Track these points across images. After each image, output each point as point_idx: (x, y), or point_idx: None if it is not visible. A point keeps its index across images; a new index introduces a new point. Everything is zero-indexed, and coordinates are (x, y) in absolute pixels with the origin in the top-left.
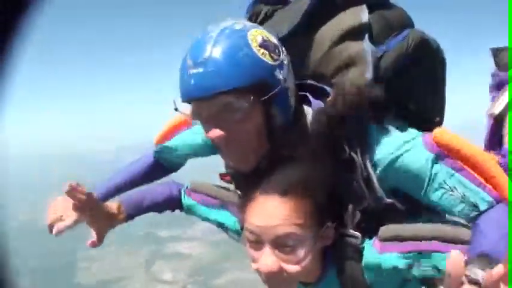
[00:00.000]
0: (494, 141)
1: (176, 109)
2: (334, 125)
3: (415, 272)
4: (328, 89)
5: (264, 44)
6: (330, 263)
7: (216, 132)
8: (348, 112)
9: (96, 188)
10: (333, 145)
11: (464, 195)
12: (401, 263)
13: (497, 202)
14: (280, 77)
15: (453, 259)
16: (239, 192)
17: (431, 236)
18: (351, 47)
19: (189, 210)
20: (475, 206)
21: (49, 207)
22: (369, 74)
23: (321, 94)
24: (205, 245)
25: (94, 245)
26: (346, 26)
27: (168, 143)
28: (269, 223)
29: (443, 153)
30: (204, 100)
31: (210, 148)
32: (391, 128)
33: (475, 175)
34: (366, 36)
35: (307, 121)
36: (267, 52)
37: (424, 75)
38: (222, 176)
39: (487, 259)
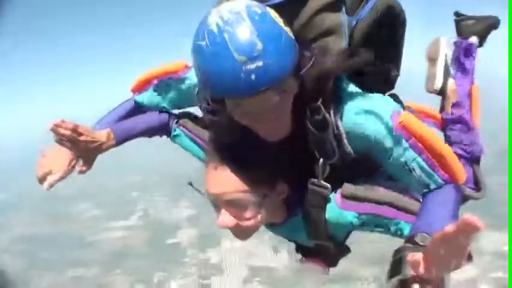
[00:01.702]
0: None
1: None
2: (312, 86)
3: (366, 229)
4: (306, 53)
5: (282, 20)
6: (298, 207)
7: (260, 124)
8: (325, 74)
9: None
10: (308, 106)
11: (420, 176)
12: (356, 221)
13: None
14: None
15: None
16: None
17: (387, 201)
18: (330, 18)
19: (175, 140)
20: (427, 186)
21: (38, 161)
22: (344, 42)
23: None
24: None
25: (82, 171)
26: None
27: (147, 99)
28: (217, 191)
29: (408, 136)
30: (253, 97)
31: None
32: (364, 94)
33: (432, 159)
34: (343, 8)
35: None
36: (288, 28)
37: (389, 36)
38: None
39: (426, 237)
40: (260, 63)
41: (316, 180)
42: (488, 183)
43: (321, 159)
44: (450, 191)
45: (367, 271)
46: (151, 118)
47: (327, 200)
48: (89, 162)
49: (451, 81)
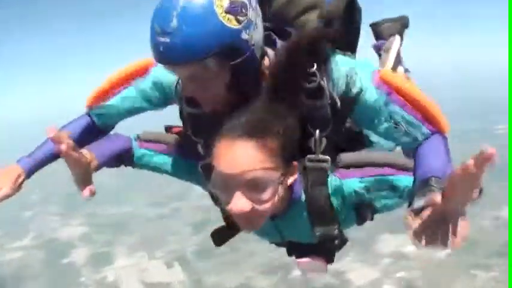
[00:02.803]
0: None
1: None
2: (302, 56)
3: (372, 194)
4: (290, 29)
5: (230, 8)
6: (296, 195)
7: (190, 88)
8: (310, 45)
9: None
10: (301, 76)
11: (407, 129)
12: (360, 186)
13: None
14: (247, 37)
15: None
16: (197, 138)
17: (384, 162)
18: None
19: (140, 162)
20: (416, 139)
21: None
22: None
23: (283, 35)
24: None
25: (92, 192)
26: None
27: (108, 102)
28: (236, 170)
29: (390, 90)
30: (174, 66)
31: (157, 100)
32: (347, 57)
33: (416, 111)
34: None
35: (268, 62)
36: (233, 17)
37: (353, 13)
38: (169, 129)
39: (436, 181)
40: (167, 40)
41: (313, 155)
42: None
43: (317, 131)
44: (440, 139)
45: (263, 281)
46: (113, 142)
47: (328, 174)
48: (89, 181)
49: (400, 68)
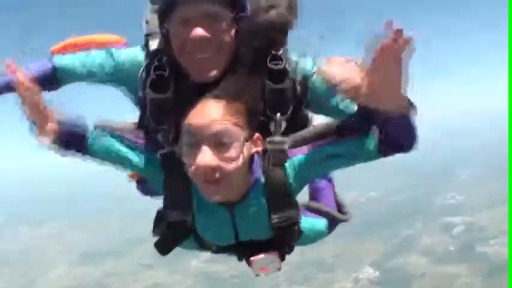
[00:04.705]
0: None
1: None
2: (270, 38)
3: (323, 164)
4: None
5: None
6: (256, 175)
7: (200, 31)
8: (283, 25)
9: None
10: (267, 57)
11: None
12: (308, 160)
13: None
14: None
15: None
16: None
17: (326, 131)
18: None
19: (94, 144)
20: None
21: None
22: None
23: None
24: None
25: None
26: None
27: (74, 57)
28: (205, 121)
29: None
30: (194, 1)
31: (111, 75)
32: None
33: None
34: None
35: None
36: None
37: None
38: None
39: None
40: None
41: (274, 137)
42: None
43: (278, 114)
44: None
45: None
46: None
47: (286, 154)
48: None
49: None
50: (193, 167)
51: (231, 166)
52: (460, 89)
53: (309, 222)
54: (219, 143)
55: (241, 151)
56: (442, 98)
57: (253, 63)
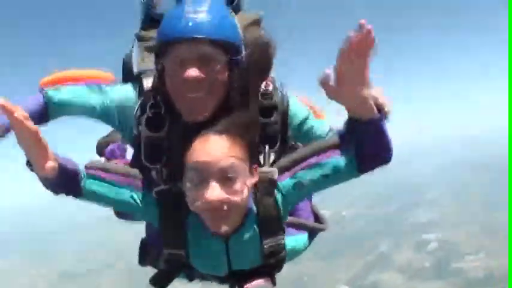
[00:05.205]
0: None
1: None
2: (259, 75)
3: (307, 186)
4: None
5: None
6: (249, 205)
7: (193, 72)
8: (263, 62)
9: None
10: (259, 91)
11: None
12: (293, 184)
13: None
14: (243, 43)
15: None
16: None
17: (308, 154)
18: (255, 31)
19: (88, 189)
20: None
21: None
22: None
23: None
24: None
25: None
26: (253, 17)
27: (65, 91)
28: (212, 157)
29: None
30: (191, 42)
31: (105, 113)
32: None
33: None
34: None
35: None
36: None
37: None
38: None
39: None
40: (199, 16)
41: (264, 168)
42: None
43: (267, 147)
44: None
45: None
46: (67, 159)
47: (276, 184)
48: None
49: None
50: (200, 202)
51: (238, 198)
52: (431, 108)
53: (292, 239)
54: (225, 177)
55: (246, 182)
56: (413, 117)
57: (247, 100)
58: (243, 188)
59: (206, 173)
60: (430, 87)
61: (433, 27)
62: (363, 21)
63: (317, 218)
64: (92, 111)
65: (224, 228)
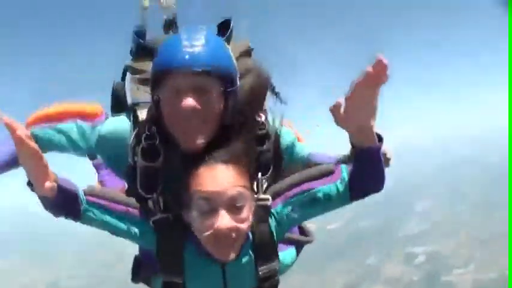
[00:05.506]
0: None
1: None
2: (255, 105)
3: (300, 212)
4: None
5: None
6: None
7: (189, 102)
8: (258, 93)
9: None
10: (255, 121)
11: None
12: (285, 209)
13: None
14: (238, 74)
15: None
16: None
17: (300, 180)
18: (247, 61)
19: (87, 215)
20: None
21: None
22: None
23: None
24: None
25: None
26: (244, 47)
27: (52, 132)
28: (222, 187)
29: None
30: (188, 73)
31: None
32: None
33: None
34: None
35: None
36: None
37: None
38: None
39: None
40: (195, 49)
41: (257, 195)
42: None
43: (259, 174)
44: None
45: None
46: (67, 181)
47: (270, 211)
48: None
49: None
50: (209, 232)
51: (245, 225)
52: (431, 108)
53: (281, 256)
54: (233, 206)
55: (250, 212)
56: (412, 117)
57: (243, 129)
58: (249, 215)
59: (215, 203)
60: (430, 87)
61: (433, 26)
62: (380, 56)
63: (303, 231)
64: (80, 153)
65: (232, 256)
